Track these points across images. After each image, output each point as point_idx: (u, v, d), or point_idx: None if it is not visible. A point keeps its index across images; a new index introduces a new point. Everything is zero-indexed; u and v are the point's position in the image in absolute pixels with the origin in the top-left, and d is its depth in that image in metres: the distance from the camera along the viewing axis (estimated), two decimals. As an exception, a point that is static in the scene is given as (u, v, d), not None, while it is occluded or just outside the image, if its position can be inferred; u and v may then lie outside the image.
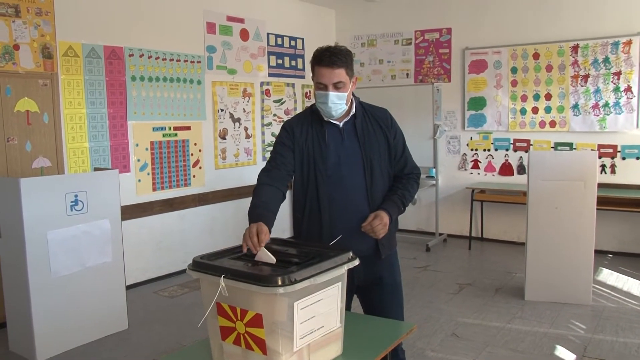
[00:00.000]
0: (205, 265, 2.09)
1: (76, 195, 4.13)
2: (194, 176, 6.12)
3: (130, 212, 5.40)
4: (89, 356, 4.07)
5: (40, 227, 3.93)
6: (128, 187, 5.43)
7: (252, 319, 1.98)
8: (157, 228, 5.80)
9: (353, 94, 2.72)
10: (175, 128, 5.92)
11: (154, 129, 5.72)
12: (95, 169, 5.01)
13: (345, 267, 2.17)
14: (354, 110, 2.70)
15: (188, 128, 6.06)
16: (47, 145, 4.92)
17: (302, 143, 2.74)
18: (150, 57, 5.69)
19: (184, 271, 5.88)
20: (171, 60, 5.90)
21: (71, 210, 4.11)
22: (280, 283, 1.88)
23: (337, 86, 2.54)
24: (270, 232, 2.39)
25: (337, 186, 2.68)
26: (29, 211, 3.86)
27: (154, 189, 5.75)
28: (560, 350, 3.94)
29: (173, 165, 5.91)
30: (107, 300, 4.39)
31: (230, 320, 2.05)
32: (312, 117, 2.75)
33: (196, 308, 4.92)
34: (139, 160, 5.59)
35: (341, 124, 2.70)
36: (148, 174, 5.69)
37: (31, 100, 4.81)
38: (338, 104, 2.59)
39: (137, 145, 5.56)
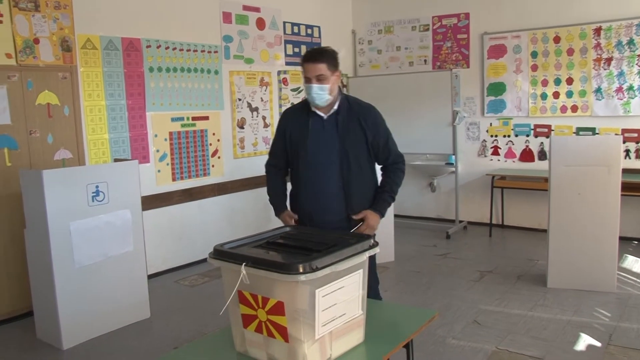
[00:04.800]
0: (226, 253, 2.10)
1: (97, 186, 4.17)
2: (212, 166, 6.14)
3: (151, 202, 5.44)
4: (112, 344, 4.12)
5: (63, 218, 3.98)
6: (148, 177, 5.47)
7: (273, 306, 1.99)
8: (177, 218, 5.84)
9: (341, 91, 3.13)
10: (194, 118, 5.94)
11: (173, 120, 5.74)
12: (116, 160, 5.04)
13: (367, 255, 2.16)
14: (336, 105, 3.08)
15: (206, 118, 6.07)
16: (68, 137, 4.96)
17: (290, 131, 3.20)
18: (167, 47, 5.70)
19: (204, 260, 5.95)
20: (188, 50, 5.91)
21: (93, 201, 4.14)
22: (301, 270, 1.88)
23: (319, 79, 2.97)
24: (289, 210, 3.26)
25: (315, 171, 3.11)
26: (51, 202, 3.90)
27: (174, 179, 5.79)
28: (585, 338, 3.89)
29: (192, 155, 5.94)
30: (129, 290, 4.44)
31: (251, 308, 2.06)
32: (304, 108, 3.17)
33: (216, 297, 4.95)
34: (158, 151, 5.62)
35: (325, 117, 3.10)
36: (167, 164, 5.72)
37: (52, 93, 4.85)
38: (321, 94, 2.99)
39: (156, 135, 5.59)
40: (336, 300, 2.07)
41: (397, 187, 3.20)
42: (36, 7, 4.73)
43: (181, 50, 5.84)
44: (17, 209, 4.46)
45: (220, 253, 2.10)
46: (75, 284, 4.06)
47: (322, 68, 2.96)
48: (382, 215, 3.13)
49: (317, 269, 1.92)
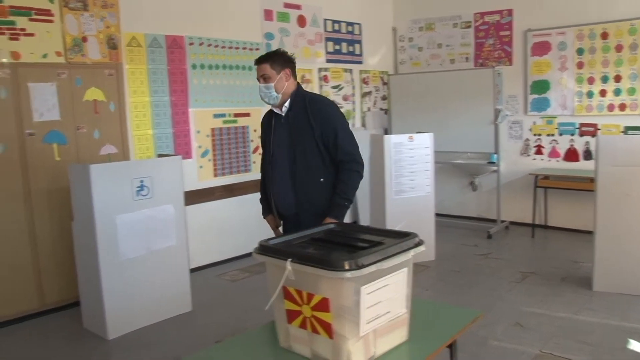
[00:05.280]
0: (271, 248, 2.11)
1: (142, 181, 4.25)
2: (254, 162, 6.19)
3: (192, 197, 5.51)
4: (156, 336, 4.20)
5: (109, 212, 4.07)
6: (190, 173, 5.55)
7: (318, 302, 1.99)
8: (218, 213, 5.91)
9: (299, 89, 3.21)
10: (236, 115, 6.00)
11: (215, 116, 5.81)
12: (159, 156, 5.13)
13: (412, 253, 2.14)
14: (287, 102, 3.17)
15: (248, 114, 6.12)
16: (114, 132, 5.07)
17: (262, 132, 3.41)
18: (209, 45, 5.77)
19: (245, 256, 6.01)
20: (230, 47, 5.97)
21: (137, 195, 4.23)
22: (347, 267, 1.88)
23: (264, 78, 3.12)
24: (274, 214, 3.42)
25: (274, 169, 3.27)
26: (98, 196, 4.00)
27: (215, 175, 5.86)
28: (634, 345, 3.77)
29: (234, 152, 6.00)
30: (172, 283, 4.51)
31: (296, 303, 2.07)
32: (272, 110, 3.29)
33: (257, 292, 4.99)
34: (200, 147, 5.70)
35: (282, 115, 3.21)
36: (209, 160, 5.79)
37: (98, 90, 4.96)
38: (266, 92, 3.14)
39: (198, 132, 5.66)
40: (381, 298, 2.06)
41: (348, 188, 3.15)
42: (85, 7, 4.85)
43: (223, 47, 5.90)
44: (65, 202, 4.59)
45: (265, 248, 2.11)
46: (120, 276, 4.15)
47: (265, 68, 3.12)
48: (337, 219, 3.08)
49: (363, 266, 1.91)
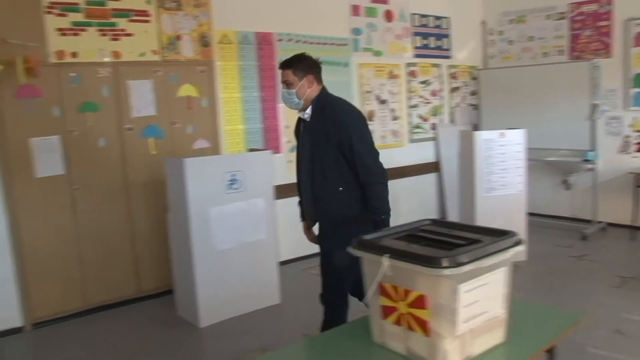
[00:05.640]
0: (368, 244, 2.10)
1: (233, 175, 4.35)
2: (343, 158, 6.21)
3: (281, 191, 5.57)
4: (245, 326, 4.30)
5: (203, 204, 4.20)
6: (279, 167, 5.62)
7: (415, 299, 1.97)
8: (305, 208, 5.95)
9: (322, 94, 3.15)
10: (323, 110, 6.04)
11: (303, 112, 5.87)
12: (250, 150, 5.24)
13: (512, 252, 2.08)
14: (309, 109, 3.14)
15: (336, 110, 6.14)
16: (206, 127, 5.23)
17: (295, 134, 3.41)
18: (298, 41, 5.83)
19: (331, 251, 6.04)
20: (318, 43, 6.00)
21: (229, 188, 4.34)
22: (446, 265, 1.85)
23: (287, 84, 3.12)
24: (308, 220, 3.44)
25: (300, 175, 3.30)
26: (192, 189, 4.14)
27: (303, 170, 5.91)
28: None
29: (321, 147, 6.04)
30: (261, 275, 4.61)
31: (392, 299, 2.05)
32: None
33: (343, 287, 5.00)
34: (289, 142, 5.77)
35: (308, 121, 3.18)
36: (298, 155, 5.86)
37: (192, 86, 5.13)
38: (289, 98, 3.15)
39: (287, 127, 5.74)
40: (478, 297, 2.01)
41: (377, 202, 3.04)
42: (179, 6, 5.03)
43: (311, 43, 5.94)
44: (160, 195, 4.78)
45: (362, 244, 2.11)
46: (212, 267, 4.28)
47: (287, 74, 3.12)
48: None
49: (462, 264, 1.87)
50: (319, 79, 3.18)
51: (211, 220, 4.23)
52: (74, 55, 4.54)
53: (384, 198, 3.05)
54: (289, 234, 5.76)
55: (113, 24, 4.72)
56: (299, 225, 5.87)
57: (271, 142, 5.65)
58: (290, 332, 4.17)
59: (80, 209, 4.64)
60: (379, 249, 2.03)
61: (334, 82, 6.06)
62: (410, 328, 2.03)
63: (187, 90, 5.10)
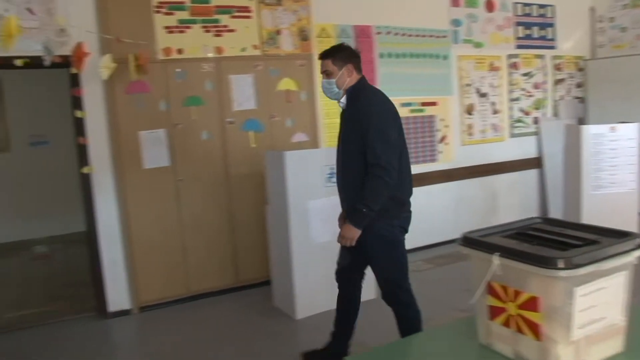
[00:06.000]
0: (477, 241, 2.02)
1: (332, 169, 4.35)
2: (440, 152, 6.09)
3: (377, 186, 5.57)
4: (341, 320, 4.30)
5: (301, 197, 4.24)
6: (376, 162, 5.59)
7: (526, 301, 1.87)
8: (404, 203, 5.89)
9: (359, 84, 3.17)
10: (423, 104, 5.94)
11: (402, 105, 5.79)
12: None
13: (635, 255, 1.93)
14: (344, 98, 3.17)
15: (435, 104, 6.03)
16: (305, 121, 5.28)
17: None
18: (396, 34, 5.76)
19: (428, 246, 5.96)
20: (417, 36, 5.91)
21: (327, 182, 4.35)
22: (562, 266, 1.74)
23: (327, 73, 3.17)
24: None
25: (337, 161, 3.29)
26: (292, 181, 4.19)
27: (402, 164, 5.86)
28: None
29: (419, 141, 5.95)
30: (357, 270, 4.58)
31: (501, 300, 1.97)
32: None
33: (441, 284, 4.91)
34: (386, 136, 5.72)
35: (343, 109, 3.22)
36: (396, 149, 5.80)
37: (291, 80, 5.19)
38: (328, 88, 3.19)
39: (383, 120, 5.69)
40: (596, 302, 1.89)
41: (368, 194, 2.97)
42: (279, 2, 5.11)
43: (410, 35, 5.85)
44: (259, 187, 4.88)
45: (470, 241, 2.04)
46: (309, 260, 4.32)
47: (327, 64, 3.17)
48: (355, 225, 3.04)
49: (579, 266, 1.76)
50: (358, 69, 3.21)
51: (309, 213, 4.27)
52: (179, 51, 4.72)
53: (376, 194, 2.98)
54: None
55: (216, 21, 4.86)
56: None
57: (368, 136, 5.62)
58: (386, 328, 4.10)
59: (183, 199, 4.83)
60: (489, 247, 1.95)
61: (432, 74, 5.96)
62: (519, 330, 1.93)
63: (286, 84, 5.17)
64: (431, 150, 6.04)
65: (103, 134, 4.57)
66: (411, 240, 5.87)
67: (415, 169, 5.87)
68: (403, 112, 5.74)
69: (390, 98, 5.57)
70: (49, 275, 6.19)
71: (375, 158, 2.97)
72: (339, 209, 4.40)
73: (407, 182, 3.18)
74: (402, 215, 3.19)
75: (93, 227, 4.62)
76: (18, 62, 4.16)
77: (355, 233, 3.07)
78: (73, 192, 6.13)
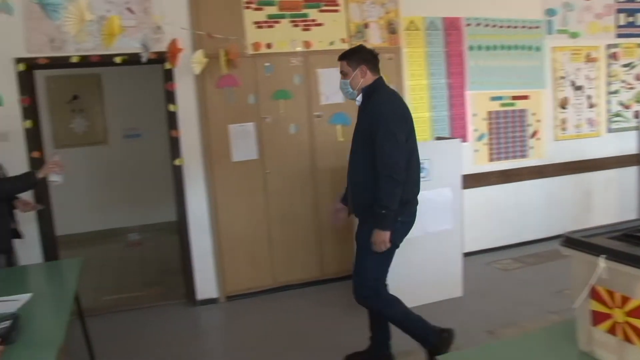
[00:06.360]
0: (580, 242, 1.92)
1: (421, 163, 4.28)
2: (531, 148, 5.86)
3: (467, 181, 5.41)
4: (426, 317, 4.20)
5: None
6: (466, 156, 5.45)
7: (636, 308, 1.76)
8: (492, 199, 5.76)
9: (375, 84, 3.25)
10: (514, 97, 5.74)
11: (492, 99, 5.64)
12: (437, 139, 5.15)
13: None
14: (359, 97, 3.28)
15: (526, 97, 5.81)
16: (392, 115, 5.22)
17: None
18: (487, 25, 5.59)
19: (518, 244, 5.80)
20: (508, 27, 5.70)
21: (414, 176, 4.28)
22: (678, 272, 1.62)
23: (343, 74, 3.30)
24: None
25: (349, 159, 3.36)
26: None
27: (490, 160, 5.70)
28: None
29: (509, 136, 5.75)
30: (444, 266, 4.52)
31: (606, 305, 1.86)
32: None
33: (530, 285, 4.75)
34: (476, 130, 5.58)
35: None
36: (485, 144, 5.66)
37: (380, 74, 5.14)
38: (344, 88, 3.32)
39: (475, 115, 5.56)
40: None
41: (385, 195, 3.07)
42: (367, -5, 5.07)
43: (501, 27, 5.66)
44: (345, 181, 4.86)
45: (573, 241, 1.94)
46: (397, 255, 4.26)
47: (343, 65, 3.30)
48: (382, 229, 3.12)
49: (698, 273, 1.63)
50: (373, 70, 3.27)
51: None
52: (268, 46, 4.79)
53: (389, 193, 3.08)
54: (475, 225, 5.61)
55: (304, 15, 4.89)
56: (485, 217, 5.72)
57: (457, 131, 5.50)
58: (472, 327, 4.04)
59: (270, 192, 4.91)
60: (594, 249, 1.84)
61: (524, 67, 5.75)
62: (627, 339, 1.82)
63: (373, 77, 5.13)
64: (522, 146, 5.82)
65: (194, 127, 4.72)
66: (500, 238, 5.80)
67: (505, 165, 5.78)
68: (493, 105, 5.61)
69: (480, 92, 5.52)
70: (142, 262, 6.49)
71: (385, 157, 3.08)
72: (427, 205, 4.34)
73: (412, 182, 3.27)
74: (404, 212, 3.27)
75: (184, 217, 4.79)
76: (117, 60, 4.37)
77: (384, 236, 3.15)
78: (165, 183, 6.38)
